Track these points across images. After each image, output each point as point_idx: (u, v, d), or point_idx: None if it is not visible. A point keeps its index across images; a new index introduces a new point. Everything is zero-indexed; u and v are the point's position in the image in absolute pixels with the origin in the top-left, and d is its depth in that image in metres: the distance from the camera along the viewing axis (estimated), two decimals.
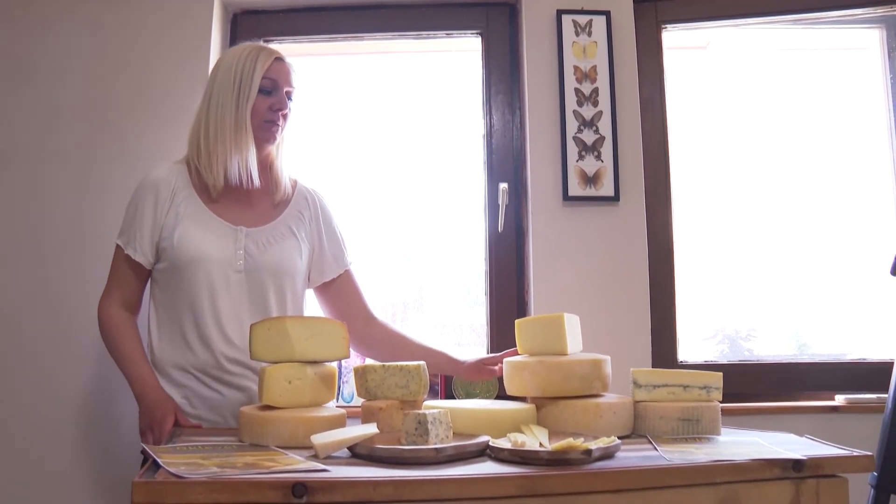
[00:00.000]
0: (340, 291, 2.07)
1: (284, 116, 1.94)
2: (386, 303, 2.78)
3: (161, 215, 1.88)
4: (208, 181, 1.90)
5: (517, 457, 1.26)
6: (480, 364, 1.97)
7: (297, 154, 2.06)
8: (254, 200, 1.96)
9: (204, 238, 1.86)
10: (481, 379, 1.99)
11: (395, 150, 2.84)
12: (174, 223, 1.87)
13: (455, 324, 2.83)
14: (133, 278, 1.91)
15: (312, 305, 2.11)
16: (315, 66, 2.96)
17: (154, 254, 1.89)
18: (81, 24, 2.57)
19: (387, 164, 2.84)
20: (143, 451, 1.83)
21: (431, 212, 2.82)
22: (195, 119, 1.96)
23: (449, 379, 2.38)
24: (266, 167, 1.98)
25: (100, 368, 2.38)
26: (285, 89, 1.93)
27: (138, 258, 1.88)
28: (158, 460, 1.21)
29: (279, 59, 1.94)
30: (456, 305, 2.82)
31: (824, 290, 2.71)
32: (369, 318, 2.07)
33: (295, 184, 2.06)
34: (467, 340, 2.76)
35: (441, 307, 2.82)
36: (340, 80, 2.93)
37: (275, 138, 1.95)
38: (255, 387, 1.85)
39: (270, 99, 1.91)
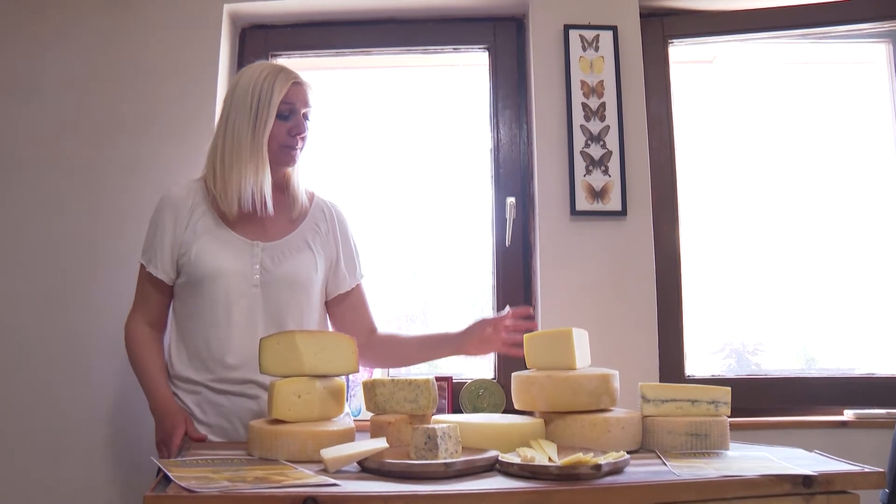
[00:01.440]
0: (350, 304, 2.06)
1: (303, 139, 1.96)
2: (390, 316, 2.77)
3: (180, 232, 1.91)
4: (223, 208, 1.91)
5: (526, 471, 1.26)
6: (482, 329, 1.94)
7: (310, 168, 2.07)
8: (271, 216, 1.96)
9: (220, 253, 1.88)
10: (489, 352, 1.99)
11: (401, 165, 2.85)
12: (192, 239, 1.89)
13: None
14: (156, 295, 1.94)
15: None
16: (323, 80, 2.96)
17: (175, 270, 1.91)
18: (91, 37, 2.59)
19: (393, 178, 2.85)
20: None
21: (437, 225, 2.82)
22: (212, 141, 1.97)
23: (456, 393, 2.38)
24: (283, 185, 2.00)
25: (112, 377, 2.40)
26: (303, 111, 1.94)
27: (160, 275, 1.90)
28: (169, 474, 1.21)
29: (297, 82, 1.94)
30: (461, 319, 2.81)
31: (832, 304, 2.71)
32: (372, 331, 2.08)
33: (312, 197, 2.07)
34: None
35: (446, 321, 2.82)
36: (348, 94, 2.94)
37: (294, 161, 1.97)
38: (265, 397, 1.85)
39: (288, 123, 1.92)
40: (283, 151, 1.94)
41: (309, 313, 1.96)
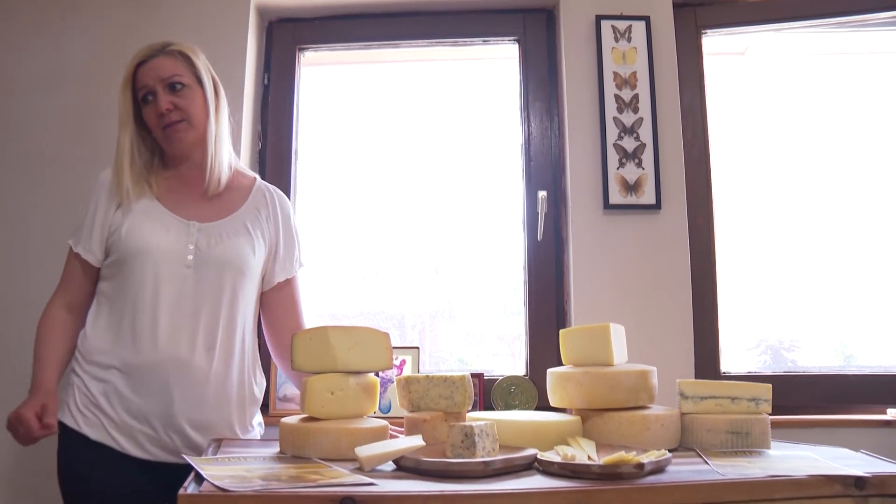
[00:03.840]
0: (278, 300, 1.97)
1: (177, 108, 1.85)
2: (414, 313, 2.75)
3: (112, 211, 1.86)
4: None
5: (567, 470, 1.24)
6: None
7: (228, 140, 1.98)
8: (208, 195, 1.91)
9: (153, 230, 1.82)
10: None
11: (431, 159, 2.82)
12: (123, 218, 1.84)
13: (490, 334, 2.80)
14: (81, 278, 1.87)
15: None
16: (351, 73, 2.95)
17: (103, 251, 1.86)
18: (118, 31, 2.59)
19: (423, 173, 2.82)
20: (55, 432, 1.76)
21: (467, 222, 2.79)
22: None
23: (487, 390, 2.35)
24: (203, 161, 1.91)
25: None
26: (162, 85, 1.85)
27: (87, 257, 1.85)
28: (202, 473, 1.19)
29: (143, 62, 1.87)
30: (490, 316, 2.79)
31: (871, 300, 2.64)
32: None
33: (254, 181, 2.01)
34: (504, 351, 2.73)
35: (474, 318, 2.79)
36: (376, 87, 2.92)
37: (180, 136, 1.87)
38: (177, 393, 1.75)
39: (152, 106, 1.86)
40: (164, 134, 1.87)
41: (244, 299, 1.87)
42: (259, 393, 1.93)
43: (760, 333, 2.70)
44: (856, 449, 1.51)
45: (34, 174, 2.53)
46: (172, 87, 1.86)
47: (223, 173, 1.92)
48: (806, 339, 2.70)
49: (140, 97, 1.87)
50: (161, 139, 1.89)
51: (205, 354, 1.79)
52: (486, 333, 2.80)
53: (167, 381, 1.75)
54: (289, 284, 1.98)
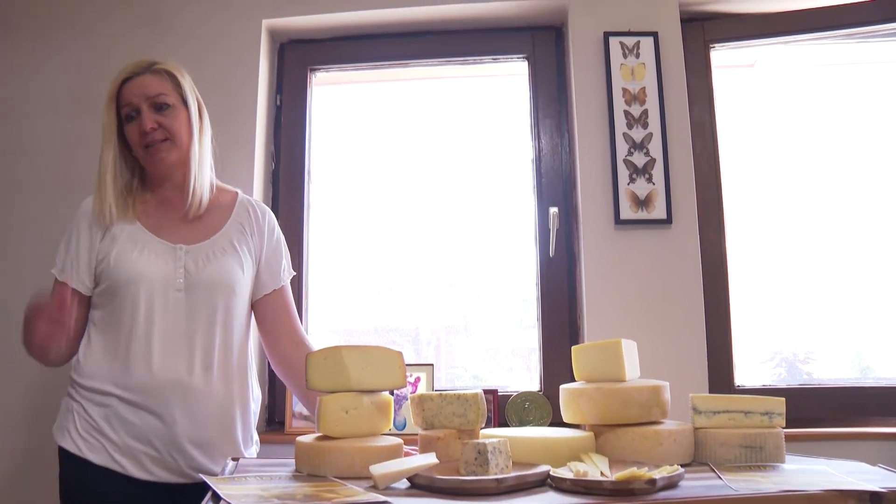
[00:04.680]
0: (269, 308, 1.97)
1: (161, 127, 1.85)
2: (429, 328, 2.76)
3: (97, 239, 1.86)
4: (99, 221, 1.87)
5: (580, 487, 1.24)
6: None
7: (210, 161, 1.98)
8: (188, 218, 1.91)
9: (142, 257, 1.82)
10: None
11: (442, 177, 2.84)
12: (110, 245, 1.84)
13: (504, 348, 2.80)
14: (71, 308, 1.84)
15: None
16: (362, 93, 2.98)
17: (92, 279, 1.86)
18: (131, 54, 2.56)
19: (436, 189, 2.84)
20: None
21: (479, 238, 2.80)
22: None
23: (502, 406, 2.35)
24: (184, 182, 1.90)
25: None
26: (147, 103, 1.85)
27: (76, 285, 1.84)
28: (219, 492, 1.20)
29: (128, 78, 1.87)
30: (505, 330, 2.79)
31: (887, 310, 2.63)
32: (298, 342, 1.97)
33: (235, 196, 2.01)
34: (518, 365, 2.73)
35: (489, 332, 2.80)
36: (387, 106, 2.94)
37: (163, 158, 1.87)
38: (178, 414, 1.78)
39: (136, 124, 1.85)
40: (149, 152, 1.86)
41: (237, 316, 1.89)
42: (256, 407, 1.96)
43: (775, 346, 2.68)
44: (873, 463, 1.50)
45: (50, 198, 2.57)
46: (158, 107, 1.87)
47: (204, 195, 1.92)
48: (821, 350, 2.68)
49: (124, 115, 1.87)
50: (142, 158, 1.89)
51: (203, 375, 1.81)
52: (500, 347, 2.80)
53: (168, 404, 1.77)
54: (279, 293, 1.99)
